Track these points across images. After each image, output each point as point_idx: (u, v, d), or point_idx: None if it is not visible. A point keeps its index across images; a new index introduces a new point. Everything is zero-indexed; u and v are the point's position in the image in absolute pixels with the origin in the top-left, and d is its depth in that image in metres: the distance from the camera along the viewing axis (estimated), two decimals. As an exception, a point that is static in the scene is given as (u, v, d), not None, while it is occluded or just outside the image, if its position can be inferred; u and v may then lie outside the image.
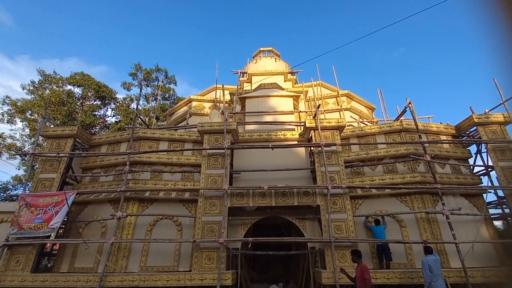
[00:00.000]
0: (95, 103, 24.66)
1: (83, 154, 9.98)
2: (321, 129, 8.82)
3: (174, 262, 8.01)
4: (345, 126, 9.22)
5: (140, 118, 12.04)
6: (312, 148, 9.45)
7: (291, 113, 11.60)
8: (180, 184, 8.99)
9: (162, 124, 22.42)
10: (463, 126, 9.50)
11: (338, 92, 14.13)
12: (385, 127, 9.69)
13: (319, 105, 10.64)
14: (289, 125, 10.76)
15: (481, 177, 9.23)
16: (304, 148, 9.69)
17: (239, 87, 14.43)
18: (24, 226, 7.82)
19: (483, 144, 9.04)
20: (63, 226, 9.36)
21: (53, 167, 9.11)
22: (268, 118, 11.10)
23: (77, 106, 23.26)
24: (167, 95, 26.92)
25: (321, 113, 11.17)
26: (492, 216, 8.91)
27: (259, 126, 10.77)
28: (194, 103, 15.26)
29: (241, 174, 9.06)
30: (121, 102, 26.24)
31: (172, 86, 28.40)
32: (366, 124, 12.80)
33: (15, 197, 10.80)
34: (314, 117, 9.41)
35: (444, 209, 7.45)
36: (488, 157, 8.81)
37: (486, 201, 8.93)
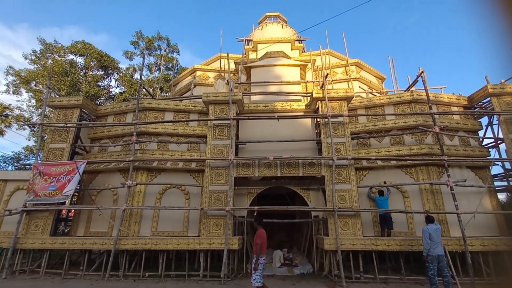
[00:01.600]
0: (98, 73, 24.30)
1: (90, 125, 10.07)
2: (328, 100, 8.62)
3: (183, 228, 8.40)
4: (353, 97, 8.99)
5: (145, 89, 11.88)
6: (318, 119, 9.33)
7: (297, 83, 11.30)
8: (186, 155, 9.12)
9: (167, 95, 22.20)
10: (476, 97, 9.17)
11: (347, 61, 13.56)
12: (395, 97, 9.42)
13: (327, 74, 10.27)
14: (296, 95, 10.54)
15: (490, 149, 9.09)
16: (310, 119, 9.57)
17: (244, 55, 13.94)
18: (39, 193, 8.18)
19: (495, 116, 8.79)
20: (76, 194, 9.76)
21: (62, 137, 9.27)
22: (274, 88, 10.85)
23: (81, 77, 23.00)
24: (170, 65, 26.26)
25: (328, 83, 10.84)
26: (496, 189, 8.96)
27: (265, 96, 10.57)
28: (198, 73, 14.90)
29: (246, 145, 9.10)
30: (124, 72, 25.80)
31: (175, 55, 27.60)
32: (375, 95, 12.44)
33: (28, 166, 11.16)
34: (321, 87, 9.17)
35: (449, 180, 7.48)
36: (499, 129, 8.61)
37: (492, 174, 8.93)
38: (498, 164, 9.11)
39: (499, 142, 8.91)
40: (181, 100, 10.57)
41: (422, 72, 8.86)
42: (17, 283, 6.92)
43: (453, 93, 9.84)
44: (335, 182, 7.84)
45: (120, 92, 24.82)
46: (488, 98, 8.90)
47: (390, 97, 9.50)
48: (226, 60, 10.37)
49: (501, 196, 10.33)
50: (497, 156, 8.86)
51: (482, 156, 8.65)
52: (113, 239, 7.67)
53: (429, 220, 6.42)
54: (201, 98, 9.26)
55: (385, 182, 8.38)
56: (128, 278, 7.39)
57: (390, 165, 8.59)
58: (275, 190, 10.16)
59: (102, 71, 24.54)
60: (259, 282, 5.02)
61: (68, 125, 9.24)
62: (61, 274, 7.67)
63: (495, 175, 9.57)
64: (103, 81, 24.84)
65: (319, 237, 8.13)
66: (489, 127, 9.23)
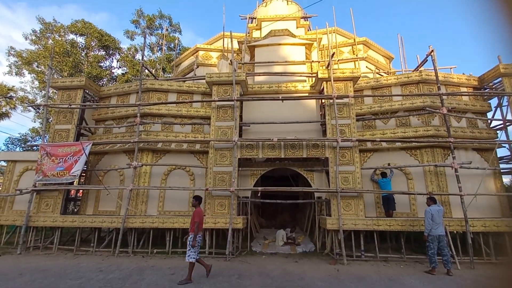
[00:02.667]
0: (99, 53, 23.95)
1: (94, 106, 10.07)
2: (334, 80, 8.43)
3: (189, 208, 8.60)
4: (359, 77, 8.77)
5: (147, 69, 11.72)
6: (323, 101, 9.19)
7: (302, 63, 11.02)
8: (190, 136, 9.14)
9: (169, 76, 21.92)
10: (487, 77, 8.88)
11: (354, 40, 13.09)
12: (403, 78, 9.17)
13: (333, 53, 9.96)
14: (300, 76, 10.31)
15: (498, 131, 8.93)
16: (314, 100, 9.42)
17: (247, 34, 13.52)
18: (48, 174, 8.36)
19: (505, 97, 8.55)
20: (84, 174, 9.96)
21: (67, 118, 9.31)
22: (278, 69, 10.61)
23: (82, 57, 22.71)
24: (172, 45, 25.69)
25: (334, 63, 10.54)
26: (502, 171, 8.90)
27: (269, 77, 10.37)
28: (201, 53, 14.57)
29: (250, 126, 9.06)
30: (125, 52, 25.37)
31: (176, 34, 26.92)
32: (382, 75, 12.12)
33: (35, 147, 11.32)
34: (327, 67, 8.94)
35: (454, 162, 7.44)
36: (508, 111, 8.41)
37: (499, 156, 8.84)
38: (505, 147, 8.98)
39: (507, 124, 8.72)
40: (184, 81, 10.43)
41: (432, 51, 8.54)
42: (32, 259, 7.26)
43: (463, 73, 9.53)
44: (339, 163, 7.84)
45: (122, 73, 24.57)
46: (500, 79, 8.63)
47: (397, 77, 9.25)
48: (229, 39, 10.09)
49: (506, 179, 10.29)
50: (504, 138, 8.71)
51: (489, 138, 8.51)
52: (121, 217, 7.90)
53: (432, 201, 6.48)
54: (204, 78, 9.12)
55: (389, 164, 8.38)
56: (137, 255, 7.70)
57: (394, 147, 8.54)
58: (279, 172, 10.25)
59: (103, 51, 24.16)
60: (193, 258, 5.26)
61: (72, 106, 9.25)
62: (73, 251, 8.01)
63: (501, 158, 9.47)
64: (105, 61, 24.53)
65: (322, 218, 8.28)
66: (498, 109, 9.01)
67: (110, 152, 9.44)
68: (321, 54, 12.96)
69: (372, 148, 8.58)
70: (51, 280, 5.34)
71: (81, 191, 10.84)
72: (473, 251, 6.76)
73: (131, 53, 25.60)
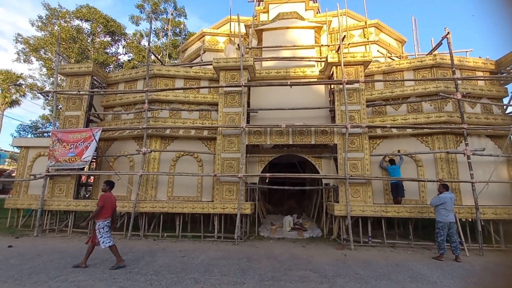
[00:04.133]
0: (105, 39, 23.82)
1: (102, 92, 10.11)
2: (344, 65, 8.21)
3: (197, 193, 8.73)
4: (370, 61, 8.51)
5: (154, 54, 11.60)
6: (332, 86, 8.99)
7: (311, 47, 10.72)
8: (198, 122, 9.14)
9: (175, 62, 21.74)
10: (505, 61, 8.50)
11: (365, 22, 12.63)
12: (416, 62, 8.86)
13: (344, 36, 9.64)
14: (309, 60, 10.07)
15: (514, 117, 8.64)
16: (323, 86, 9.23)
17: (255, 17, 13.16)
18: (60, 159, 8.54)
19: (524, 82, 8.21)
20: (94, 160, 10.15)
21: (76, 105, 9.40)
22: (287, 53, 10.37)
23: (88, 43, 22.63)
24: (177, 30, 25.32)
25: (344, 47, 10.22)
26: (516, 158, 8.68)
27: (277, 62, 10.16)
28: (207, 38, 14.31)
29: (258, 112, 8.98)
30: (131, 38, 25.16)
31: (182, 19, 26.47)
32: (394, 59, 11.75)
33: (45, 134, 11.53)
34: (337, 51, 8.68)
35: (466, 149, 7.27)
36: (527, 96, 8.09)
37: (513, 143, 8.59)
38: (520, 133, 8.71)
39: (525, 109, 8.42)
40: (191, 67, 10.34)
41: (448, 33, 8.17)
42: (48, 240, 7.56)
43: (479, 57, 9.14)
44: (347, 150, 7.77)
45: (128, 60, 24.48)
46: (519, 62, 8.25)
47: (410, 61, 8.94)
48: (236, 24, 9.86)
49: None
50: (520, 125, 8.43)
51: (504, 124, 8.25)
52: (132, 202, 8.09)
53: (445, 188, 6.41)
54: (211, 64, 9.00)
55: (399, 151, 8.26)
56: (148, 238, 7.93)
57: (405, 133, 8.38)
58: (286, 159, 10.24)
59: (109, 37, 24.02)
60: (109, 242, 5.10)
61: (80, 92, 9.30)
62: (87, 233, 8.29)
63: (516, 144, 9.21)
64: (111, 48, 24.45)
65: (329, 204, 8.31)
66: (516, 94, 8.68)
67: (120, 138, 9.54)
68: (331, 37, 12.57)
69: (382, 134, 8.44)
70: (68, 261, 5.56)
71: (92, 177, 11.08)
72: (482, 239, 6.72)
73: (137, 38, 25.39)
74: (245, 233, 8.17)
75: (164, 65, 11.21)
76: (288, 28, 10.97)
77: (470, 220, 7.63)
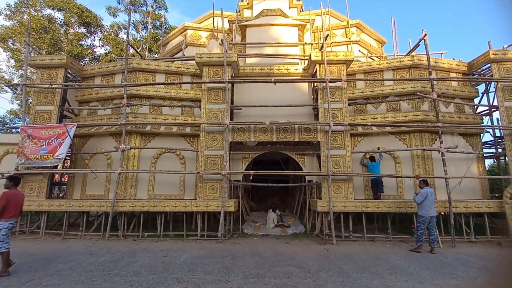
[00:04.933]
0: (80, 30, 22.57)
1: (76, 86, 9.58)
2: (327, 63, 8.31)
3: (180, 191, 8.53)
4: (353, 60, 8.69)
5: (133, 47, 11.16)
6: (315, 84, 9.10)
7: (295, 45, 10.78)
8: (180, 119, 8.92)
9: (156, 57, 21.06)
10: (476, 63, 9.00)
11: (348, 22, 12.87)
12: (395, 62, 9.17)
13: (327, 35, 9.77)
14: (293, 58, 10.11)
15: (483, 117, 9.20)
16: (307, 84, 9.32)
17: (238, 13, 13.01)
18: (30, 157, 8.01)
19: (492, 83, 8.74)
20: (69, 158, 9.62)
21: (48, 99, 8.83)
22: (270, 50, 10.35)
23: (61, 34, 21.35)
24: (157, 23, 24.50)
25: (327, 46, 10.36)
26: (485, 155, 9.26)
27: (261, 59, 10.11)
28: (189, 32, 13.97)
29: (242, 109, 8.91)
30: (108, 30, 24.04)
31: (162, 12, 25.64)
32: (374, 59, 12.08)
33: (14, 130, 10.78)
34: (320, 50, 8.78)
35: (441, 146, 7.64)
36: (495, 97, 8.62)
37: (483, 141, 9.16)
38: (489, 132, 9.31)
39: (493, 110, 8.98)
40: (172, 61, 10.02)
41: (425, 35, 8.50)
42: (19, 243, 7.08)
43: (453, 59, 9.62)
44: (330, 147, 7.90)
45: (105, 53, 23.37)
46: (489, 65, 8.76)
47: (390, 62, 9.24)
48: (219, 19, 9.68)
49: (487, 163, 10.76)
50: (489, 124, 9.00)
51: (475, 123, 8.76)
52: (110, 201, 7.75)
53: (424, 183, 6.70)
54: (194, 59, 8.78)
55: (378, 148, 8.53)
56: (127, 238, 7.65)
57: (384, 131, 8.66)
58: (269, 156, 10.26)
59: (84, 28, 22.79)
60: (4, 249, 4.63)
61: (53, 86, 8.75)
62: (60, 235, 7.86)
63: (485, 142, 9.83)
64: (86, 40, 23.21)
65: (312, 200, 8.43)
66: (486, 95, 9.23)
67: (96, 134, 9.10)
68: (314, 36, 12.70)
69: (363, 132, 8.67)
70: (40, 264, 5.24)
71: (66, 175, 10.51)
72: (454, 231, 7.10)
73: (114, 31, 24.30)
74: (229, 230, 8.10)
75: (144, 59, 10.81)
76: (272, 25, 10.94)
77: (443, 213, 8.03)
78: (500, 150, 9.18)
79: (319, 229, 8.11)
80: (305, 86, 9.33)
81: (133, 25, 24.88)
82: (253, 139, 8.51)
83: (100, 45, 24.23)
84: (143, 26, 24.93)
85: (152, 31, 23.88)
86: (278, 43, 10.55)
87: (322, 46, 8.60)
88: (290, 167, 11.43)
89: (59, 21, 21.57)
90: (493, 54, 8.42)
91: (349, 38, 12.60)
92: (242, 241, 7.43)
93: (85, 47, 22.65)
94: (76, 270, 4.91)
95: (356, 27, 13.04)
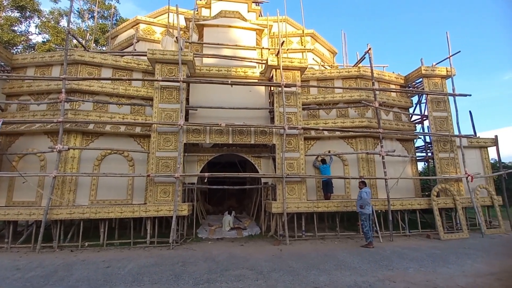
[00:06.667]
0: (12, 15, 19.71)
1: (4, 77, 8.28)
2: (283, 69, 8.56)
3: (128, 196, 7.92)
4: (307, 67, 9.11)
5: (75, 37, 10.06)
6: (272, 88, 9.30)
7: (253, 48, 10.90)
8: (129, 118, 8.31)
9: (103, 49, 19.38)
10: (411, 77, 10.18)
11: (303, 31, 13.49)
12: (344, 72, 9.87)
13: (283, 41, 10.10)
14: (250, 61, 10.20)
15: (416, 125, 10.45)
16: (264, 87, 9.48)
17: (196, 12, 12.70)
18: None
19: (424, 95, 9.96)
20: (-10, 159, 8.23)
21: (-38, 89, 7.45)
22: (228, 52, 10.29)
23: (-13, 16, 18.36)
24: (106, 13, 22.63)
25: (284, 52, 10.71)
26: (417, 158, 10.48)
27: (218, 60, 9.99)
28: (142, 26, 13.17)
29: (197, 110, 8.67)
30: (47, 16, 21.42)
31: (113, 2, 23.78)
32: (326, 68, 12.86)
33: None
34: (277, 55, 9.02)
35: (382, 150, 8.42)
36: (426, 107, 9.83)
37: (416, 146, 10.40)
38: (421, 138, 10.60)
39: (424, 118, 10.23)
40: (121, 56, 9.30)
41: (370, 49, 9.35)
42: None
43: (393, 72, 10.74)
44: (285, 150, 8.12)
45: (43, 42, 20.76)
46: (421, 79, 9.97)
47: (340, 71, 9.91)
48: (175, 15, 9.31)
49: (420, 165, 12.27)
50: (421, 131, 10.25)
51: (410, 130, 9.89)
52: (42, 208, 6.82)
53: (364, 184, 7.27)
54: (146, 55, 8.28)
55: (329, 151, 9.06)
56: (64, 249, 6.81)
57: (334, 135, 9.24)
58: (227, 158, 10.16)
59: (17, 12, 19.96)
60: None
61: (-30, 75, 7.42)
62: (-23, 249, 6.66)
63: (418, 147, 11.13)
64: (20, 25, 20.34)
65: (267, 202, 8.56)
66: (418, 105, 10.49)
67: (27, 133, 7.97)
68: (272, 41, 13.03)
69: (316, 136, 9.13)
70: None
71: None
72: (392, 227, 7.87)
73: (55, 17, 21.76)
74: (182, 235, 7.77)
75: (89, 51, 9.82)
76: (230, 27, 10.91)
77: (383, 211, 8.85)
78: (429, 154, 10.49)
79: (274, 230, 8.26)
80: (261, 89, 9.47)
81: (77, 13, 22.59)
82: (208, 141, 8.33)
83: (37, 33, 21.47)
84: (90, 15, 22.78)
85: (100, 21, 21.98)
86: (236, 45, 10.55)
87: (278, 52, 8.84)
88: (247, 170, 11.47)
89: (-17, 1, 18.54)
90: (424, 70, 9.62)
91: (304, 46, 13.21)
92: (196, 246, 7.19)
93: (18, 33, 19.83)
94: (-7, 291, 4.19)
95: (310, 36, 13.74)
